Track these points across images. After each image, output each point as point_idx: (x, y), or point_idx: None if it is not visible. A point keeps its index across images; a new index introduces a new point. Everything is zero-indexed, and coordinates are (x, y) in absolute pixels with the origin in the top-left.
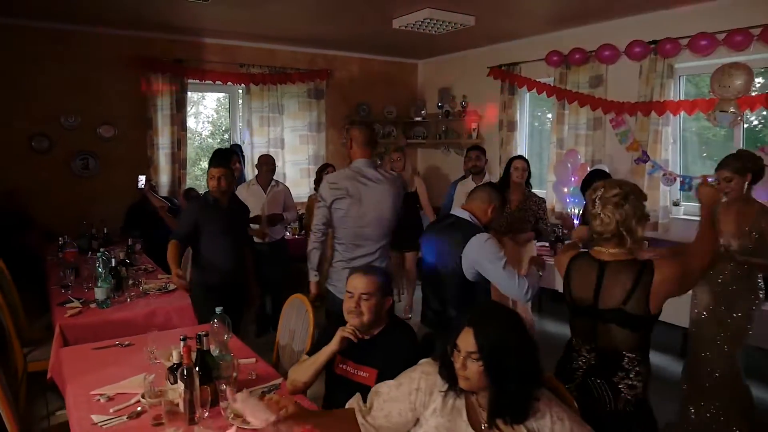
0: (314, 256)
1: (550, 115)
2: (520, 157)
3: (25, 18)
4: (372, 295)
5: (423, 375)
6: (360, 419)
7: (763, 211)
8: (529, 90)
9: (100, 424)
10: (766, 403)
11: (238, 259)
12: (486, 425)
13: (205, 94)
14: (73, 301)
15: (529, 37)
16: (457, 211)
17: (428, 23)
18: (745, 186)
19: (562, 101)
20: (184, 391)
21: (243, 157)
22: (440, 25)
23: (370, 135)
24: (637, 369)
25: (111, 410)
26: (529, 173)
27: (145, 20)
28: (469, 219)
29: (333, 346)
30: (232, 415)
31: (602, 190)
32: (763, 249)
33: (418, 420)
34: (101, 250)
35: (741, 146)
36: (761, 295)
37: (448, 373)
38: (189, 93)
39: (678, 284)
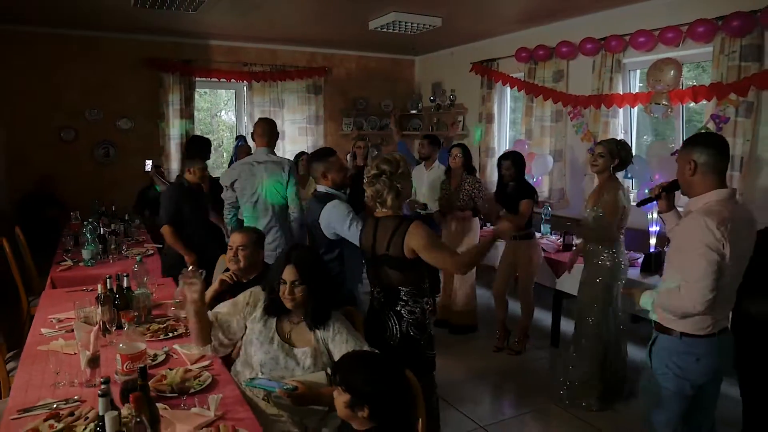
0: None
1: None
2: (457, 145)
3: (55, 26)
4: (246, 247)
5: (251, 293)
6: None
7: (610, 187)
8: (503, 84)
9: (45, 333)
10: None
11: (209, 236)
12: (289, 334)
13: None
14: (66, 260)
15: (504, 34)
16: (319, 187)
17: (397, 25)
18: (610, 167)
19: (530, 95)
20: (101, 311)
21: (248, 147)
22: (409, 26)
23: (267, 128)
24: (414, 299)
25: (56, 326)
26: (467, 159)
27: (158, 26)
28: (325, 190)
29: (214, 285)
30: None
31: (366, 170)
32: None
33: (245, 329)
34: (89, 220)
35: (681, 134)
36: (607, 263)
37: (271, 299)
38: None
39: (421, 249)
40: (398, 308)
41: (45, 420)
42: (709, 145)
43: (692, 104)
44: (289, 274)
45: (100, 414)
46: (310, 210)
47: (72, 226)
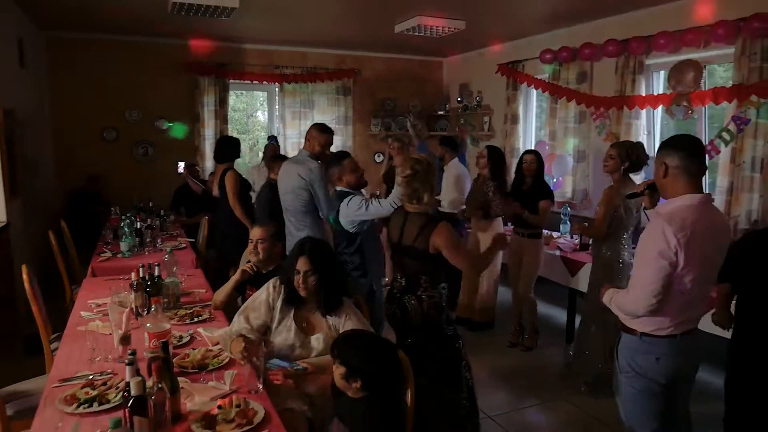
0: None
1: None
2: (486, 147)
3: (99, 32)
4: (265, 240)
5: (273, 286)
6: (246, 331)
7: (610, 186)
8: (528, 86)
9: (84, 315)
10: None
11: None
12: (305, 322)
13: None
14: (106, 252)
15: (529, 36)
16: (338, 187)
17: (422, 28)
18: (621, 169)
19: (554, 96)
20: (134, 297)
21: (278, 146)
22: (434, 30)
23: (314, 133)
24: (432, 285)
25: (94, 310)
26: (493, 162)
27: (194, 31)
28: (341, 190)
29: (236, 276)
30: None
31: (401, 169)
32: (616, 223)
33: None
34: (127, 214)
35: (704, 136)
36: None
37: (288, 290)
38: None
39: (443, 248)
40: (419, 293)
41: (81, 388)
42: (680, 148)
43: (723, 104)
44: (302, 264)
45: (126, 380)
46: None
47: (112, 221)
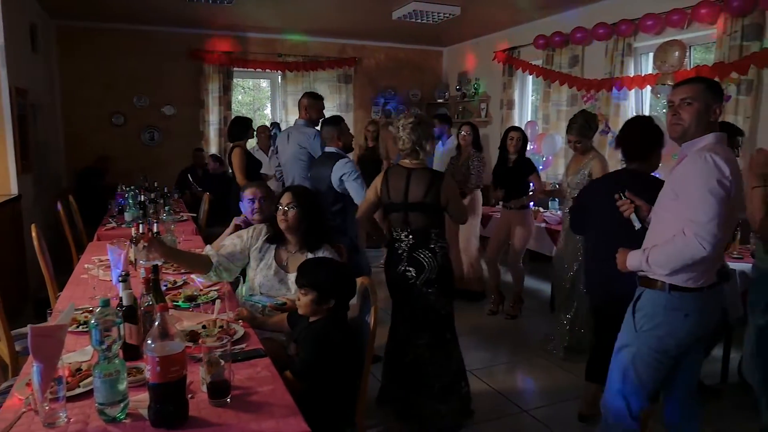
0: None
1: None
2: (466, 123)
3: (110, 21)
4: (265, 197)
5: (254, 229)
6: (212, 252)
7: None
8: (522, 71)
9: (88, 267)
10: None
11: None
12: (285, 262)
13: None
14: (111, 222)
15: (524, 23)
16: (327, 148)
17: (418, 14)
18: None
19: (547, 80)
20: (134, 250)
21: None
22: (429, 15)
23: (307, 102)
24: (440, 237)
25: (97, 264)
26: (476, 137)
27: (200, 20)
28: (336, 151)
29: (229, 229)
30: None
31: (402, 119)
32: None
33: (249, 258)
34: (131, 187)
35: None
36: None
37: (272, 228)
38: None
39: (451, 200)
40: (432, 245)
41: (81, 314)
42: None
43: None
44: (285, 198)
45: (120, 295)
46: (317, 167)
47: (118, 196)
